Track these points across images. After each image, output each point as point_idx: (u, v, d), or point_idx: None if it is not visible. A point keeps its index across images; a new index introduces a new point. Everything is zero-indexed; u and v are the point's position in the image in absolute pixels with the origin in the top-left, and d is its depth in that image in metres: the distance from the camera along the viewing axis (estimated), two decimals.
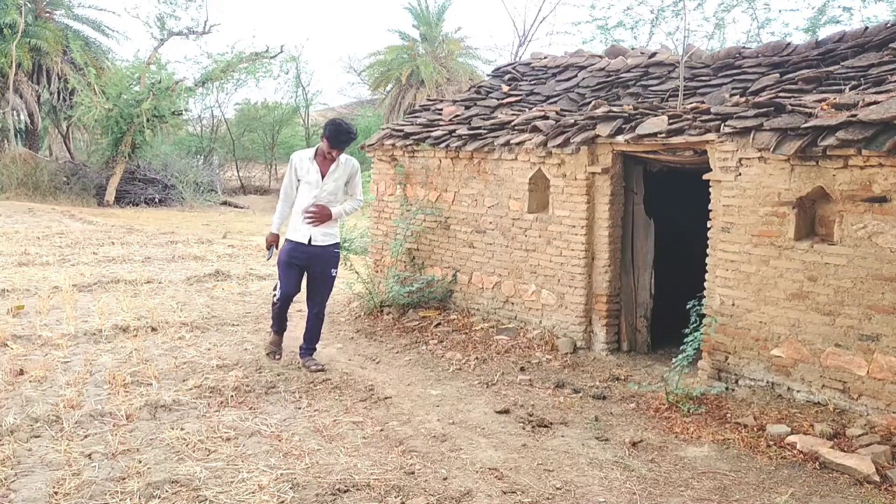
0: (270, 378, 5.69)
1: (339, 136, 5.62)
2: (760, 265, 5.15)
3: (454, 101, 8.93)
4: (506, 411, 5.09)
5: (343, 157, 5.82)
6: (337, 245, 5.91)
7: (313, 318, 6.04)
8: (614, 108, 6.48)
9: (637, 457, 4.37)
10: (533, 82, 8.83)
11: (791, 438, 4.46)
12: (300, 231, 5.78)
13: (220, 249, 13.03)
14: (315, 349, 6.18)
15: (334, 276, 5.94)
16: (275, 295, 5.95)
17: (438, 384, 5.74)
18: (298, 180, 5.83)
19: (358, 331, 7.42)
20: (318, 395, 5.40)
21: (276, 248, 5.99)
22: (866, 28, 6.69)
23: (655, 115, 5.99)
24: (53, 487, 3.74)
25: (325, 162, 5.76)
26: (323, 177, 5.74)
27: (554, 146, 6.47)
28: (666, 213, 6.79)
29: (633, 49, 9.31)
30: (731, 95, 6.18)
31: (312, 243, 5.76)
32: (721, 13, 15.75)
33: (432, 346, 6.79)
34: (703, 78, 7.06)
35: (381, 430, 4.72)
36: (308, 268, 5.85)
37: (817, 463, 4.20)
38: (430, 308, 7.74)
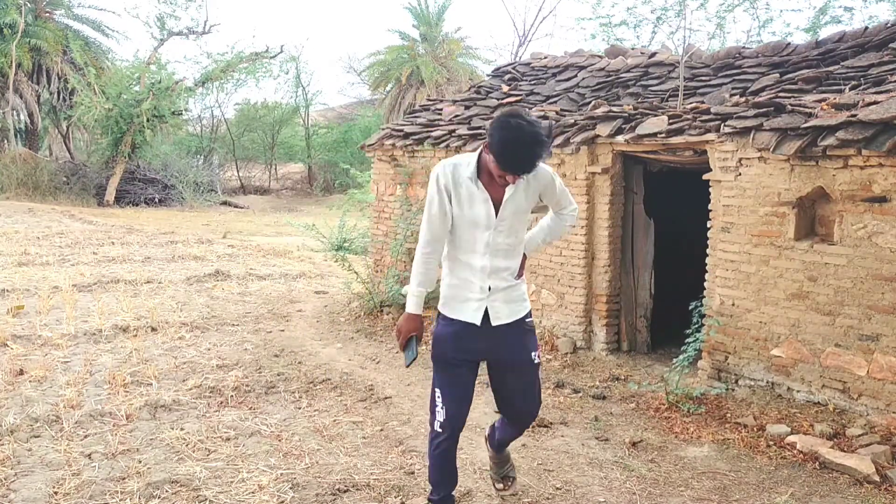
0: (270, 378, 5.69)
1: (517, 153, 2.91)
2: (760, 265, 5.15)
3: (454, 101, 8.93)
4: None
5: None
6: (530, 312, 3.40)
7: (515, 431, 3.60)
8: (614, 108, 6.48)
9: (637, 457, 4.37)
10: (533, 82, 8.83)
11: (791, 438, 4.46)
12: (468, 304, 3.22)
13: (220, 249, 13.04)
14: (507, 460, 3.81)
15: (538, 364, 3.42)
16: (436, 423, 3.25)
17: None
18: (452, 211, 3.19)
19: (358, 331, 7.42)
20: (318, 395, 5.40)
21: (419, 340, 3.27)
22: (866, 28, 6.69)
23: (655, 115, 5.99)
24: (53, 487, 3.74)
25: (495, 182, 3.11)
26: (497, 209, 3.13)
27: (554, 146, 6.47)
28: (666, 213, 6.79)
29: (633, 49, 9.31)
30: (731, 95, 6.18)
31: (494, 322, 3.21)
32: (723, 13, 15.75)
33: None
34: (703, 78, 7.06)
35: (381, 429, 4.72)
36: (490, 360, 3.36)
37: (817, 463, 4.20)
38: (430, 308, 7.72)
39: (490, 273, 3.17)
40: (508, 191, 3.11)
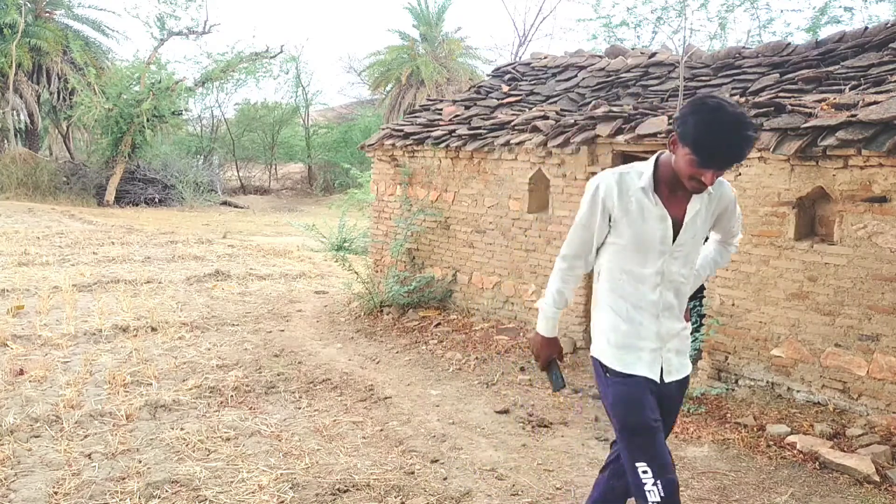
0: (270, 378, 5.69)
1: (723, 138, 2.33)
2: (760, 265, 5.15)
3: (454, 101, 8.93)
4: (506, 411, 5.09)
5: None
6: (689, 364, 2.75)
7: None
8: (614, 108, 6.48)
9: None
10: (533, 82, 8.83)
11: (791, 438, 4.46)
12: (641, 355, 2.60)
13: (220, 249, 13.04)
14: None
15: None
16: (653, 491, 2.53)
17: (438, 384, 5.74)
18: (610, 229, 2.63)
19: (358, 331, 7.42)
20: (318, 395, 5.40)
21: (559, 363, 2.89)
22: (866, 28, 6.69)
23: (655, 115, 5.99)
24: (53, 487, 3.74)
25: (677, 197, 2.57)
26: (678, 228, 2.58)
27: (554, 146, 6.47)
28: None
29: (633, 49, 9.31)
30: (731, 95, 6.18)
31: (667, 378, 2.65)
32: (723, 14, 15.74)
33: (432, 346, 6.79)
34: (703, 78, 7.06)
35: (381, 430, 4.72)
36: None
37: (817, 463, 4.20)
38: (429, 308, 7.73)
39: (662, 311, 2.56)
40: (691, 208, 2.53)
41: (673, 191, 2.53)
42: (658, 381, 2.58)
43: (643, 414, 2.53)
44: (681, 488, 3.93)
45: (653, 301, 2.56)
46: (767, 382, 5.15)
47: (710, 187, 2.46)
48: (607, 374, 2.60)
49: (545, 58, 9.37)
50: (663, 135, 5.70)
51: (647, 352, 2.57)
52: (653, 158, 2.55)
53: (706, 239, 2.79)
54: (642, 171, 2.55)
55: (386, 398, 5.33)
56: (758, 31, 15.65)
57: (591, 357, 2.68)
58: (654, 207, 2.51)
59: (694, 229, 2.57)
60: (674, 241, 2.54)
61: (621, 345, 2.58)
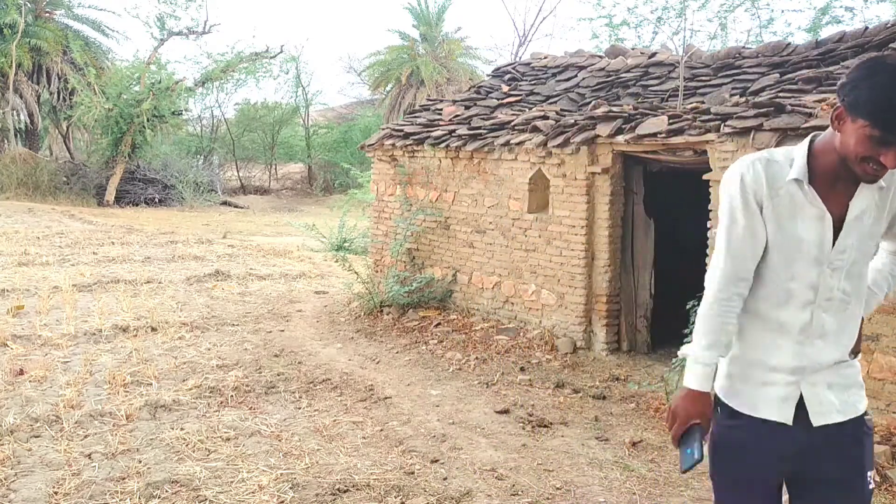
0: (270, 378, 5.69)
1: None
2: None
3: (454, 101, 8.93)
4: (506, 411, 5.09)
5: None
6: (867, 411, 2.14)
7: None
8: (614, 108, 6.48)
9: (637, 457, 4.37)
10: (533, 82, 8.83)
11: None
12: (769, 390, 2.01)
13: (220, 249, 13.04)
14: None
15: (872, 490, 2.24)
16: None
17: (438, 384, 5.74)
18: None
19: (358, 331, 7.42)
20: (318, 395, 5.40)
21: (704, 432, 2.05)
22: (866, 28, 6.70)
23: (655, 115, 5.99)
24: (53, 487, 3.75)
25: (837, 191, 1.97)
26: (838, 230, 1.97)
27: (554, 146, 6.47)
28: (666, 213, 6.80)
29: (633, 49, 9.32)
30: (731, 95, 6.18)
31: (815, 420, 1.99)
32: (723, 14, 15.76)
33: (432, 346, 6.79)
34: (703, 78, 7.06)
35: (381, 430, 4.72)
36: (798, 479, 2.07)
37: None
38: (429, 308, 7.73)
39: (813, 337, 1.96)
40: (857, 204, 1.94)
41: (832, 183, 1.94)
42: (790, 423, 1.94)
43: (738, 465, 2.01)
44: (681, 488, 3.94)
45: (802, 323, 1.95)
46: None
47: (881, 179, 1.88)
48: (718, 409, 2.05)
49: (545, 58, 9.37)
50: (663, 135, 5.70)
51: (778, 385, 1.96)
52: (805, 141, 1.98)
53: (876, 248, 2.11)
54: (792, 157, 1.96)
55: (386, 398, 5.33)
56: (758, 31, 15.67)
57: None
58: (809, 204, 1.93)
59: (860, 231, 1.95)
60: (833, 246, 1.94)
61: (739, 374, 2.02)
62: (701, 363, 2.02)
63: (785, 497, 2.09)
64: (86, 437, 4.44)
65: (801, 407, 1.96)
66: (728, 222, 2.01)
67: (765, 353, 2.00)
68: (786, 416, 1.96)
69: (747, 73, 6.77)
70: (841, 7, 14.91)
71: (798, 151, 1.98)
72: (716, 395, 2.05)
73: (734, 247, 2.00)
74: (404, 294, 7.63)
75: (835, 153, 1.89)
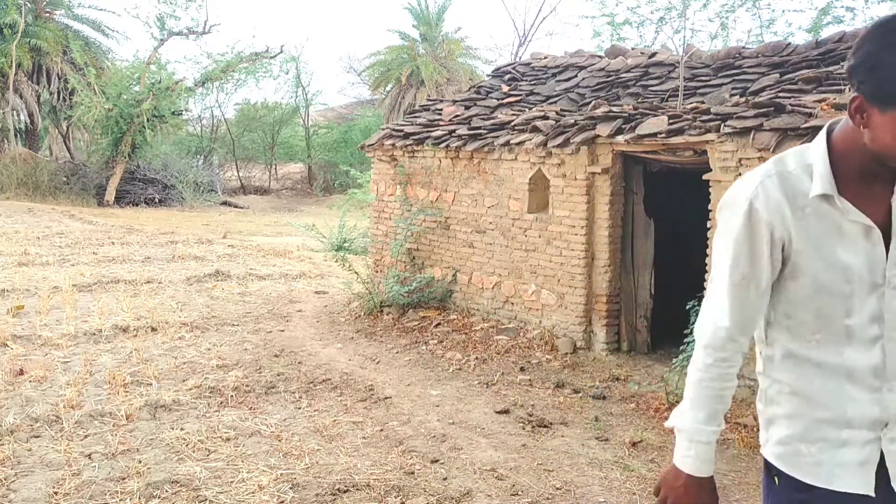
0: (270, 378, 5.69)
1: None
2: None
3: (454, 101, 8.93)
4: (506, 411, 5.09)
5: None
6: None
7: None
8: (614, 108, 6.48)
9: (637, 457, 4.37)
10: (533, 82, 8.83)
11: None
12: (841, 453, 1.56)
13: (220, 249, 13.04)
14: None
15: None
16: None
17: (438, 384, 5.74)
18: (783, 263, 1.59)
19: (358, 331, 7.42)
20: (318, 395, 5.40)
21: None
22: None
23: (655, 115, 5.99)
24: (53, 487, 3.75)
25: (874, 193, 1.54)
26: (887, 237, 1.54)
27: (554, 146, 6.47)
28: (666, 213, 6.79)
29: (633, 49, 9.32)
30: (731, 95, 6.18)
31: None
32: (724, 14, 15.75)
33: (432, 346, 6.79)
34: (703, 78, 7.06)
35: (381, 430, 4.72)
36: None
37: None
38: (429, 308, 7.73)
39: (891, 380, 1.56)
40: None
41: (867, 186, 1.54)
42: (873, 494, 1.55)
43: None
44: None
45: (873, 364, 1.55)
46: None
47: None
48: (776, 480, 1.63)
49: (545, 58, 9.37)
50: (663, 135, 5.70)
51: (855, 446, 1.56)
52: (820, 140, 1.56)
53: None
54: (809, 163, 1.55)
55: (386, 398, 5.32)
56: (759, 31, 15.67)
57: (762, 455, 1.70)
58: (847, 221, 1.52)
59: None
60: (888, 260, 1.54)
61: (803, 435, 1.59)
62: (700, 441, 1.62)
63: None
64: (86, 437, 4.44)
65: (882, 473, 1.55)
66: (730, 263, 1.60)
67: (834, 406, 1.57)
68: (868, 485, 1.54)
69: (747, 73, 6.77)
70: (842, 7, 14.91)
71: (815, 155, 1.55)
72: (769, 464, 1.64)
73: (737, 296, 1.60)
74: (404, 294, 7.63)
75: (863, 150, 1.50)
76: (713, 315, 1.64)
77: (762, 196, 1.54)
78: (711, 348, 1.64)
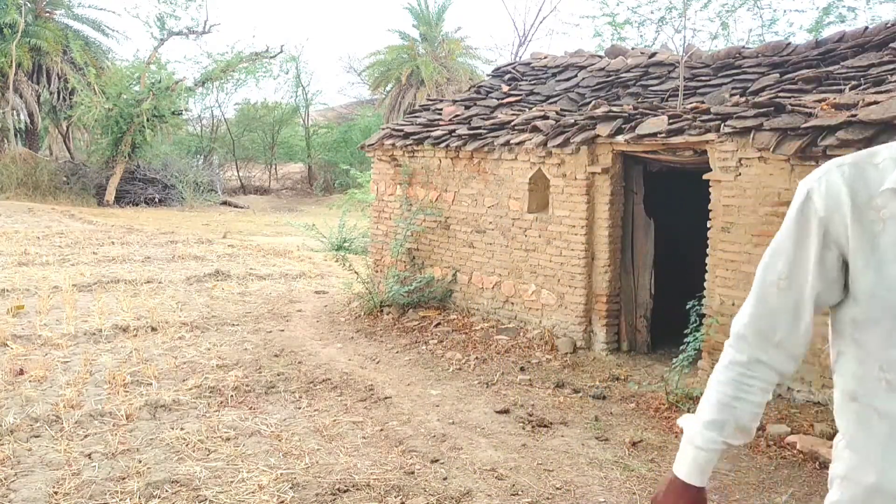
0: (270, 378, 5.69)
1: None
2: None
3: (454, 101, 8.93)
4: (506, 411, 5.09)
5: None
6: None
7: None
8: (614, 108, 6.48)
9: (637, 457, 4.37)
10: (533, 82, 8.83)
11: (791, 438, 4.46)
12: None
13: (220, 249, 13.03)
14: None
15: None
16: None
17: (438, 384, 5.74)
18: (846, 274, 1.34)
19: (358, 331, 7.42)
20: (318, 395, 5.40)
21: None
22: (866, 28, 6.69)
23: (655, 115, 5.99)
24: (53, 487, 3.74)
25: None
26: None
27: (554, 146, 6.47)
28: (666, 213, 6.79)
29: (633, 49, 9.31)
30: (731, 95, 6.18)
31: None
32: (725, 14, 15.75)
33: (432, 345, 6.79)
34: (703, 78, 7.06)
35: (381, 430, 4.72)
36: None
37: (817, 463, 4.20)
38: (429, 308, 7.73)
39: None
40: None
41: None
42: None
43: None
44: None
45: None
46: None
47: None
48: None
49: (545, 58, 9.37)
50: (663, 135, 5.69)
51: None
52: None
53: None
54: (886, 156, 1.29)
55: (386, 398, 5.32)
56: (761, 31, 15.66)
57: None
58: None
59: None
60: None
61: None
62: (700, 447, 1.45)
63: None
64: (86, 436, 4.44)
65: None
66: (767, 260, 1.41)
67: (892, 474, 1.28)
68: None
69: (747, 72, 6.77)
70: (844, 7, 14.90)
71: None
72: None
73: (766, 298, 1.40)
74: (404, 294, 7.63)
75: None
76: (739, 314, 1.47)
77: (823, 187, 1.30)
78: (731, 348, 1.47)
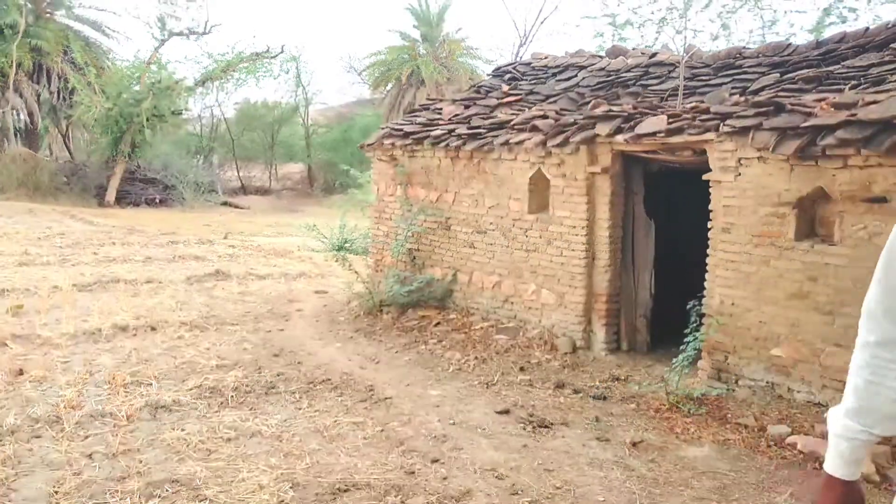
0: (270, 378, 5.69)
1: None
2: (760, 265, 5.15)
3: (454, 101, 8.93)
4: (506, 411, 5.09)
5: None
6: None
7: None
8: (614, 108, 6.48)
9: (637, 457, 4.37)
10: (533, 82, 8.83)
11: (791, 438, 4.46)
12: None
13: (221, 249, 13.04)
14: None
15: None
16: None
17: (438, 384, 5.74)
18: None
19: (358, 330, 7.42)
20: (319, 395, 5.40)
21: None
22: (867, 28, 6.69)
23: (655, 115, 5.99)
24: (54, 487, 3.75)
25: None
26: None
27: (553, 146, 6.47)
28: (666, 213, 6.79)
29: (634, 49, 9.31)
30: (731, 95, 6.18)
31: None
32: (726, 15, 15.72)
33: (432, 345, 6.79)
34: (703, 77, 7.06)
35: (382, 430, 4.72)
36: None
37: (818, 463, 4.19)
38: (429, 308, 7.73)
39: None
40: None
41: None
42: None
43: None
44: (681, 488, 3.94)
45: None
46: (767, 383, 5.15)
47: None
48: None
49: (545, 58, 9.37)
50: (663, 134, 5.69)
51: None
52: None
53: None
54: None
55: (386, 398, 5.32)
56: (761, 31, 15.65)
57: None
58: None
59: None
60: None
61: None
62: (835, 434, 1.39)
63: None
64: (86, 437, 4.44)
65: None
66: (880, 274, 1.41)
67: None
68: None
69: (747, 72, 6.77)
70: (845, 7, 14.88)
71: None
72: None
73: (893, 267, 1.39)
74: (404, 293, 7.63)
75: None
76: (869, 291, 1.42)
77: None
78: (863, 327, 1.41)
